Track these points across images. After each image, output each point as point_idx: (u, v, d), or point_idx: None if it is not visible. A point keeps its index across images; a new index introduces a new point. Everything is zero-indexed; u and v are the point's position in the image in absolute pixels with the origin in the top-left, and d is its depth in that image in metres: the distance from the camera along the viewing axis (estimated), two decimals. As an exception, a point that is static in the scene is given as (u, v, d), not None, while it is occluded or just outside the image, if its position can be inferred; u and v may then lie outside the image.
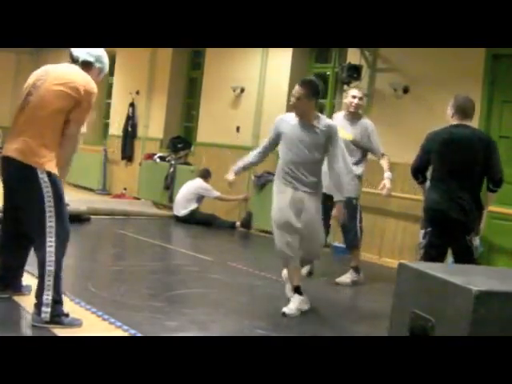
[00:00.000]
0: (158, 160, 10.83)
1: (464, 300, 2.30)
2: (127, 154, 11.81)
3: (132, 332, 3.70)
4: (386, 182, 5.75)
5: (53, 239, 3.70)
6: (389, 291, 3.11)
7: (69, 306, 4.10)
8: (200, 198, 9.20)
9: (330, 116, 8.59)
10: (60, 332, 3.56)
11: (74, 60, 3.82)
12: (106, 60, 3.96)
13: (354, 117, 5.86)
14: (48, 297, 3.64)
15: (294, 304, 4.52)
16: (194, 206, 9.08)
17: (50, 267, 3.65)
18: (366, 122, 5.91)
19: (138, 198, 10.99)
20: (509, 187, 6.55)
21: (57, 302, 3.69)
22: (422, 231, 4.45)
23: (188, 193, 9.13)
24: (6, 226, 4.02)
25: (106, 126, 13.08)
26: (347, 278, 5.87)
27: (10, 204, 3.90)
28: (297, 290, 4.57)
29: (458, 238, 4.37)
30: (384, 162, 5.86)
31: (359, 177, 5.90)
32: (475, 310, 2.26)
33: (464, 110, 4.50)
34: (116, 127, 12.18)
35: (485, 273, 2.87)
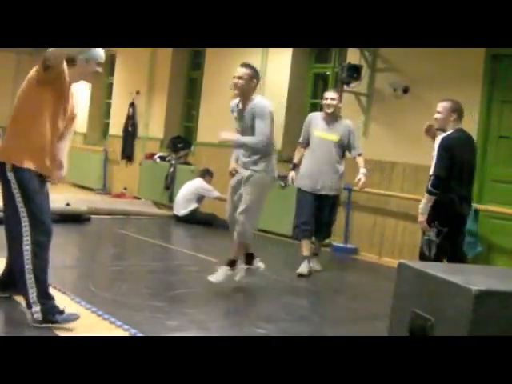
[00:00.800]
0: (158, 160, 10.83)
1: (464, 300, 2.30)
2: (127, 154, 11.81)
3: (132, 332, 3.70)
4: (362, 177, 5.98)
5: (28, 237, 3.62)
6: (389, 291, 3.11)
7: (69, 305, 4.10)
8: (200, 198, 9.21)
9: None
10: (60, 332, 3.56)
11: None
12: (92, 48, 3.80)
13: (332, 118, 6.09)
14: (33, 295, 3.61)
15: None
16: (194, 205, 9.08)
17: (28, 265, 3.61)
18: (346, 122, 6.17)
19: (138, 198, 11.00)
20: (509, 187, 6.56)
21: (43, 298, 3.65)
22: (435, 230, 4.51)
23: (188, 193, 9.13)
24: (5, 226, 4.00)
25: (106, 125, 13.08)
26: (306, 267, 5.98)
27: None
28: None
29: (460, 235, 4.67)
30: (360, 160, 6.11)
31: (341, 175, 6.19)
32: (475, 310, 2.26)
33: (462, 114, 4.79)
34: (116, 127, 12.19)
35: (484, 272, 2.87)
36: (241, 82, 4.80)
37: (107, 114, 13.00)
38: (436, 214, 4.54)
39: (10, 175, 3.63)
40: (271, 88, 9.12)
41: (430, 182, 4.54)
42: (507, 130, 6.61)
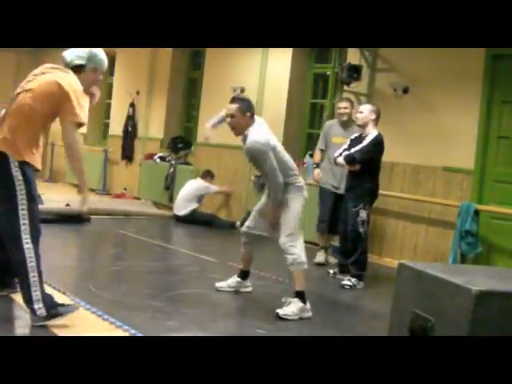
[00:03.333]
0: (158, 160, 10.83)
1: (464, 300, 2.30)
2: (127, 154, 11.81)
3: (132, 332, 3.70)
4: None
5: (28, 236, 3.61)
6: (389, 291, 3.11)
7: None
8: (200, 198, 9.22)
9: (330, 117, 8.63)
10: (60, 332, 3.56)
11: (67, 64, 3.76)
12: (100, 57, 3.82)
13: (347, 124, 6.75)
14: (37, 293, 3.61)
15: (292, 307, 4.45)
16: (194, 206, 9.08)
17: (32, 263, 3.61)
18: (357, 128, 6.39)
19: (138, 198, 10.99)
20: (509, 187, 6.56)
21: (46, 295, 3.67)
22: (367, 211, 5.74)
23: (188, 193, 9.13)
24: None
25: (106, 125, 13.08)
26: (322, 256, 6.83)
27: None
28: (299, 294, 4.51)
29: None
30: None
31: None
32: (475, 310, 2.26)
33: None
34: (116, 127, 12.19)
35: (485, 273, 2.87)
36: (234, 120, 4.53)
37: (107, 114, 13.00)
38: (367, 199, 5.74)
39: (16, 170, 3.59)
40: (271, 88, 9.13)
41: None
42: (507, 130, 6.61)
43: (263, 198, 4.84)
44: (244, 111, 4.51)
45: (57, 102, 3.61)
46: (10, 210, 3.61)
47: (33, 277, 3.61)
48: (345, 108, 6.77)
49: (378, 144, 5.75)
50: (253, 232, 4.82)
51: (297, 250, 4.44)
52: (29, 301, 3.63)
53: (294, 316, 4.39)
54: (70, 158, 3.71)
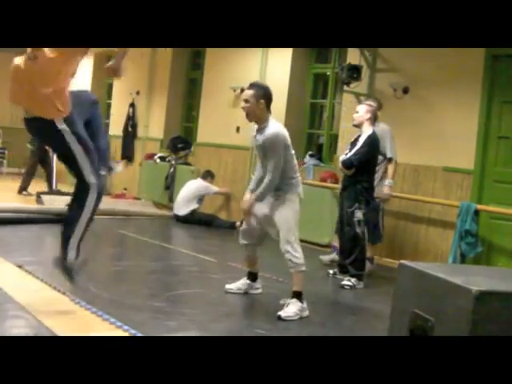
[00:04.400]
0: (158, 160, 10.83)
1: (464, 300, 2.30)
2: (127, 154, 11.80)
3: (132, 332, 3.70)
4: (385, 189, 6.32)
5: (95, 192, 3.98)
6: (389, 291, 3.11)
7: (69, 305, 4.11)
8: (201, 199, 9.22)
9: (330, 117, 8.63)
10: (60, 332, 3.56)
11: None
12: None
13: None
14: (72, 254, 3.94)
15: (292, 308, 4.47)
16: (194, 206, 9.09)
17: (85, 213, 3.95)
18: (382, 126, 6.36)
19: (138, 198, 10.99)
20: (509, 187, 6.56)
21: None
22: (363, 211, 5.69)
23: (189, 193, 9.14)
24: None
25: (106, 126, 13.08)
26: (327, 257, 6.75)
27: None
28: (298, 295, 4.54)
29: None
30: (389, 168, 6.40)
31: (380, 179, 6.38)
32: (475, 310, 2.26)
33: (376, 118, 5.96)
34: (116, 127, 12.18)
35: (485, 273, 2.87)
36: (247, 105, 4.52)
37: (107, 114, 13.00)
38: (362, 199, 5.70)
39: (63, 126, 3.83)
40: (271, 88, 9.11)
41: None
42: (507, 130, 6.61)
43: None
44: (258, 97, 4.51)
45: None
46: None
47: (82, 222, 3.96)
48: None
49: (371, 144, 5.74)
50: (249, 242, 4.85)
51: (298, 254, 4.50)
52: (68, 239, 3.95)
53: (295, 316, 4.41)
54: None
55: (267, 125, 4.53)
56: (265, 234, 4.81)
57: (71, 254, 3.96)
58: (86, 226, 3.99)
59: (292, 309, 4.43)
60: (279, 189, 4.59)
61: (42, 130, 3.94)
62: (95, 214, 4.03)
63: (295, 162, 4.70)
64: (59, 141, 3.84)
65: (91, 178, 3.93)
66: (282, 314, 4.40)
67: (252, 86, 4.61)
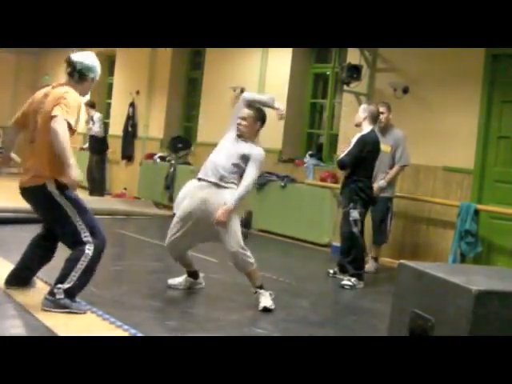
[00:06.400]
0: (158, 160, 10.83)
1: (464, 300, 2.30)
2: (127, 154, 11.80)
3: (132, 332, 3.69)
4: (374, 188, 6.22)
5: (91, 246, 4.10)
6: (389, 291, 3.11)
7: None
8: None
9: (330, 117, 8.63)
10: (60, 332, 3.56)
11: (71, 65, 4.00)
12: (98, 68, 4.12)
13: (384, 129, 6.49)
14: (65, 286, 3.95)
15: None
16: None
17: (80, 265, 4.01)
18: (397, 132, 6.54)
19: (138, 198, 10.99)
20: (509, 187, 6.56)
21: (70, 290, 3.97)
22: (358, 210, 5.70)
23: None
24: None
25: (106, 125, 13.07)
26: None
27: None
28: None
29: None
30: (392, 169, 6.51)
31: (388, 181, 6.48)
32: (475, 310, 2.26)
33: (376, 117, 5.93)
34: (116, 127, 12.18)
35: (485, 272, 2.87)
36: (244, 123, 4.67)
37: (107, 114, 13.00)
38: (357, 199, 5.70)
39: (56, 192, 4.01)
40: (271, 88, 9.12)
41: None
42: (507, 130, 6.61)
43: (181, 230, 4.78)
44: (256, 119, 4.72)
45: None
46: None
47: (80, 265, 4.00)
48: (381, 113, 6.37)
49: (363, 144, 5.72)
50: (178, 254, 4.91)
51: (250, 255, 4.61)
52: (57, 282, 3.95)
53: (272, 304, 4.58)
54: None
55: (256, 145, 4.74)
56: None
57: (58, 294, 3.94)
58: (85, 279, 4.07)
59: (267, 299, 4.58)
60: (219, 185, 4.65)
61: None
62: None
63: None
64: None
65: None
66: (266, 304, 4.53)
67: (251, 107, 4.75)
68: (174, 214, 7.19)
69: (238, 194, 4.59)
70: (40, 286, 4.40)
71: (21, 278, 4.34)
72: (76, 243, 4.03)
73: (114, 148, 12.08)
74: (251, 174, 4.63)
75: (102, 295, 4.54)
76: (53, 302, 3.91)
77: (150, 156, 11.08)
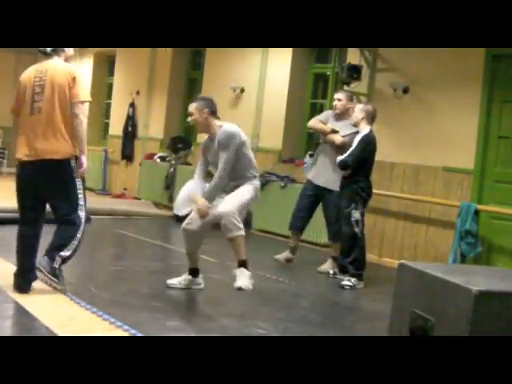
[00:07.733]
0: (158, 160, 10.83)
1: (464, 300, 2.30)
2: (127, 154, 11.80)
3: (132, 332, 3.70)
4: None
5: (83, 214, 4.30)
6: (389, 291, 3.11)
7: (69, 305, 4.11)
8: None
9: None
10: (60, 332, 3.56)
11: (47, 54, 4.09)
12: None
13: (339, 116, 6.31)
14: (66, 253, 4.20)
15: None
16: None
17: (79, 235, 4.25)
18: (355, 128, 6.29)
19: (138, 198, 10.99)
20: (509, 187, 6.56)
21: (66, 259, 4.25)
22: (360, 211, 5.71)
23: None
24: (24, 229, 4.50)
25: (106, 125, 13.08)
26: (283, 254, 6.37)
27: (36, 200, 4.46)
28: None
29: None
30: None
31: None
32: (475, 310, 2.26)
33: (373, 117, 5.87)
34: (116, 127, 12.18)
35: (485, 273, 2.87)
36: (193, 117, 4.75)
37: (107, 114, 13.00)
38: (358, 199, 5.71)
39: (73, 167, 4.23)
40: (271, 88, 9.13)
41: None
42: (507, 130, 6.61)
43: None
44: (201, 109, 4.72)
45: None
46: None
47: (73, 243, 4.24)
48: (339, 100, 6.29)
49: (366, 144, 5.73)
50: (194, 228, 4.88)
51: (241, 223, 4.49)
52: (56, 248, 4.18)
53: (250, 285, 4.46)
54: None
55: (219, 129, 4.71)
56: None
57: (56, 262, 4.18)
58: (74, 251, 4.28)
59: (245, 279, 4.45)
60: (237, 185, 4.70)
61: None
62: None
63: (255, 163, 4.82)
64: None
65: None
66: (241, 285, 4.42)
67: (196, 99, 4.88)
68: (174, 215, 7.21)
69: (208, 187, 4.71)
70: (40, 286, 4.39)
71: (29, 280, 4.37)
72: (73, 213, 4.24)
73: (114, 148, 12.10)
74: (221, 164, 4.63)
75: (102, 295, 4.54)
76: (49, 267, 4.13)
77: (150, 156, 11.08)
